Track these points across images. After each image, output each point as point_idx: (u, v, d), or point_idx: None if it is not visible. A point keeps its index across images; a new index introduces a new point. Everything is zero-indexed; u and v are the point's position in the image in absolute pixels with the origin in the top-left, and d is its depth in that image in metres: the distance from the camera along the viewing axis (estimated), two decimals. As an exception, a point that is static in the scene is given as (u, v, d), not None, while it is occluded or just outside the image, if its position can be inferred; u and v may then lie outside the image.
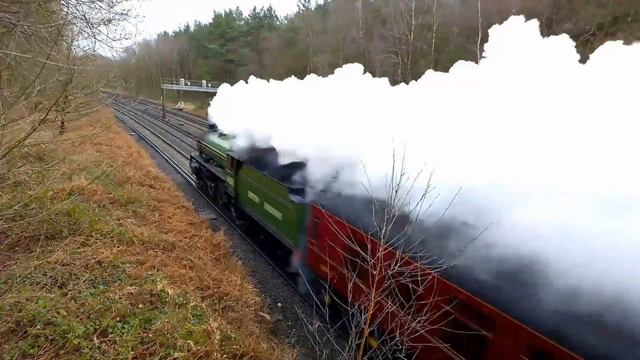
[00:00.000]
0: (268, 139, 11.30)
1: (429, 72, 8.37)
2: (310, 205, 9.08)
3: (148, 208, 11.71)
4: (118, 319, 5.64)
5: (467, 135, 6.31)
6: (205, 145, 18.00)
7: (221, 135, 16.58)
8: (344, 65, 10.74)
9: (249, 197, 13.01)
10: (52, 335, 5.02)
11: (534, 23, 6.52)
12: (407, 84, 9.26)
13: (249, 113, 13.11)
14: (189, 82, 58.16)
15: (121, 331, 5.43)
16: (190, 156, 20.54)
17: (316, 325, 5.05)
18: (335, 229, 6.53)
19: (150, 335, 5.46)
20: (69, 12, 6.18)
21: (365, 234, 6.49)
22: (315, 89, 10.90)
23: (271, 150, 11.37)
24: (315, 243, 8.97)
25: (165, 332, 5.53)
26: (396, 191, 4.45)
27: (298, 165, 10.49)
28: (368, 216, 5.33)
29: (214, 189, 17.07)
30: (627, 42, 5.33)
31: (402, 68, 37.68)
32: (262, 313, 8.90)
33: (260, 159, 12.36)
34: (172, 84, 57.95)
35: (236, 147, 13.95)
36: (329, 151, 8.85)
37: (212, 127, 17.88)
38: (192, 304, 6.63)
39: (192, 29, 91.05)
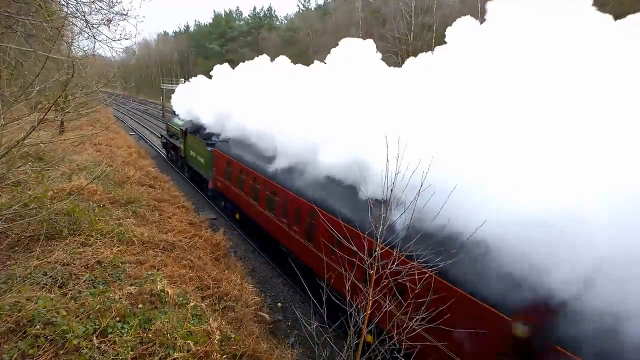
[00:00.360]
0: (204, 117, 18.97)
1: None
2: (214, 150, 16.46)
3: (148, 208, 11.70)
4: (118, 319, 5.64)
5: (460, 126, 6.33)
6: (170, 126, 25.28)
7: (180, 119, 23.41)
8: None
9: (191, 155, 20.33)
10: (51, 335, 5.01)
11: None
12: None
13: (195, 100, 20.48)
14: (188, 82, 58.06)
15: (121, 331, 5.43)
16: (161, 134, 28.77)
17: (314, 326, 5.05)
18: (223, 161, 15.28)
19: (150, 335, 5.46)
20: (69, 12, 6.18)
21: (234, 159, 14.38)
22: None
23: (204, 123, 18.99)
24: (215, 171, 16.60)
25: (165, 332, 5.53)
26: (391, 190, 4.41)
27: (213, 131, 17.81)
28: (234, 149, 14.32)
29: (175, 155, 24.47)
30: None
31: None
32: (261, 313, 8.90)
33: (197, 129, 19.59)
34: (171, 84, 57.83)
35: (185, 124, 21.35)
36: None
37: (175, 114, 25.23)
38: (192, 304, 6.63)
39: (192, 29, 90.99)
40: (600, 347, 3.91)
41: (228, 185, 15.26)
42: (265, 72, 14.98)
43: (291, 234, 10.66)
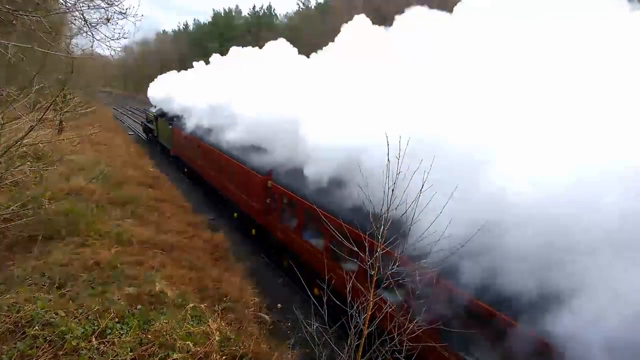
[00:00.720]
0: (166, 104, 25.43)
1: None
2: (173, 128, 22.92)
3: (147, 208, 11.67)
4: (117, 319, 5.62)
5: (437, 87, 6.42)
6: (148, 114, 31.69)
7: (155, 108, 29.16)
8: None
9: (160, 133, 27.24)
10: (50, 336, 5.00)
11: None
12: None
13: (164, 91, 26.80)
14: (187, 82, 57.93)
15: (120, 332, 5.41)
16: (142, 122, 36.32)
17: (314, 327, 5.02)
18: (178, 134, 22.17)
19: (149, 336, 5.44)
20: (67, 9, 6.12)
21: (193, 137, 19.18)
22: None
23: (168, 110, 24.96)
24: (174, 141, 23.29)
25: (164, 333, 5.51)
26: (392, 190, 4.35)
27: (178, 115, 22.74)
28: (186, 127, 20.20)
29: (151, 136, 31.27)
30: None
31: (401, 68, 37.53)
32: (261, 314, 8.87)
33: (164, 114, 25.79)
34: (171, 83, 57.76)
35: (156, 111, 27.93)
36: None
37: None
38: (191, 305, 6.60)
39: (191, 27, 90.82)
40: None
41: (181, 150, 22.31)
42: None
43: (210, 172, 17.41)
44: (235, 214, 14.74)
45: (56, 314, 5.37)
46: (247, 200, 12.90)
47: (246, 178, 12.74)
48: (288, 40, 17.43)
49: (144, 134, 34.55)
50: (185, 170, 22.17)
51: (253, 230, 13.00)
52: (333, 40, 11.24)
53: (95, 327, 5.33)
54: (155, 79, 32.20)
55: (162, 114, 26.22)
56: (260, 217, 12.14)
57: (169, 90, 24.85)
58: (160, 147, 28.16)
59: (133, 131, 37.67)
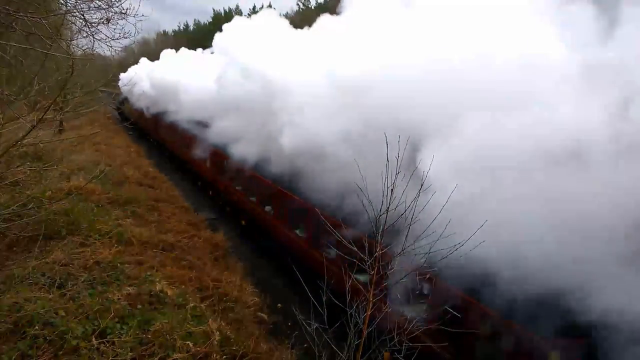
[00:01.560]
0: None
1: None
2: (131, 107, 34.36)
3: (147, 208, 11.68)
4: (117, 319, 5.62)
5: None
6: (120, 100, 40.68)
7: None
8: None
9: (125, 110, 38.93)
10: (50, 336, 5.00)
11: None
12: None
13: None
14: (187, 81, 58.59)
15: (120, 332, 5.42)
16: (117, 107, 43.97)
17: (314, 327, 5.01)
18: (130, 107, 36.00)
19: (149, 336, 5.44)
20: (67, 9, 6.12)
21: (134, 108, 34.30)
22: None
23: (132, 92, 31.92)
24: (134, 114, 33.87)
25: (165, 333, 5.51)
26: (392, 190, 4.33)
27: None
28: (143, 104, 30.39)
29: (122, 113, 41.31)
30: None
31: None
32: (261, 314, 8.87)
33: (129, 96, 34.19)
34: (170, 83, 58.20)
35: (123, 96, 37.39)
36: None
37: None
38: (191, 305, 6.61)
39: (191, 27, 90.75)
40: None
41: (137, 118, 32.29)
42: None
43: (160, 133, 26.85)
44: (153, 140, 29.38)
45: (56, 313, 5.38)
46: (155, 129, 27.33)
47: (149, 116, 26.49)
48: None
49: (118, 115, 44.65)
50: (134, 127, 33.83)
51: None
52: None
53: (96, 327, 5.34)
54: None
55: (126, 98, 37.73)
56: (154, 135, 27.97)
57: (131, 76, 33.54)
58: (126, 120, 37.64)
59: (133, 131, 37.67)
